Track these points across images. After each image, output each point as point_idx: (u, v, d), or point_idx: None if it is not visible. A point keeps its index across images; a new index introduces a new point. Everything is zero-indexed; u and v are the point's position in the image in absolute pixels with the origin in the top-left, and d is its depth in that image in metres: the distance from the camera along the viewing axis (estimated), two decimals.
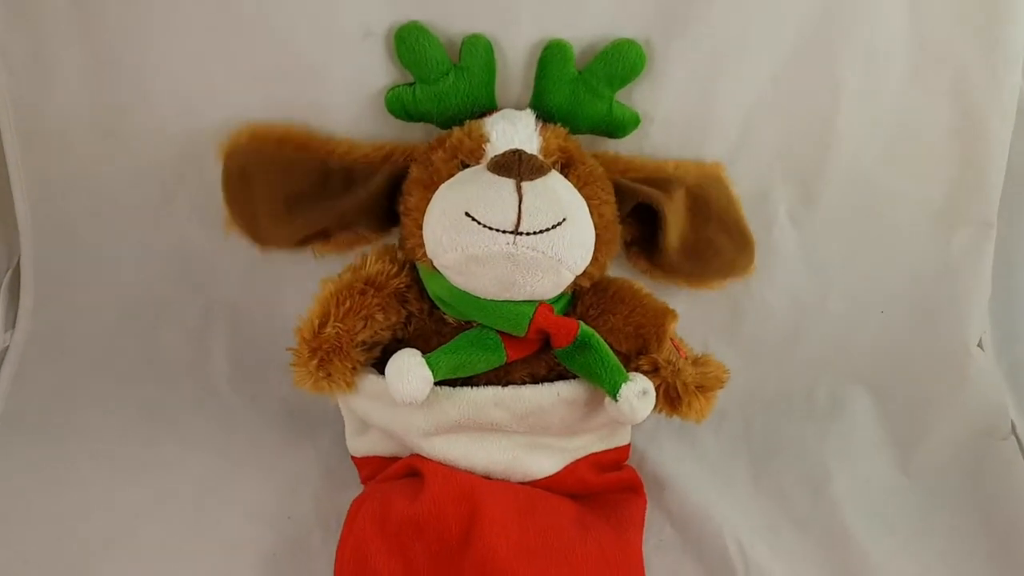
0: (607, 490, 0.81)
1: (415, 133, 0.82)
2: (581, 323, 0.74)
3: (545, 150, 0.75)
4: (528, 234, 0.68)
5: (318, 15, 0.78)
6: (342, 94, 0.81)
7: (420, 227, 0.73)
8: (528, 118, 0.77)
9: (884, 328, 0.93)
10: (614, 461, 0.84)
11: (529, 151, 0.73)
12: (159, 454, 0.84)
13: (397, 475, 0.78)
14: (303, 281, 0.81)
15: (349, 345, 0.73)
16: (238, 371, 0.91)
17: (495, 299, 0.72)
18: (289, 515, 0.80)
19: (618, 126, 0.81)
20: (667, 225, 0.79)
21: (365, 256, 0.78)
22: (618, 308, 0.78)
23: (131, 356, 0.90)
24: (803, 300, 0.92)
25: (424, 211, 0.73)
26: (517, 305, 0.72)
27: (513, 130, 0.75)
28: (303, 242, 0.83)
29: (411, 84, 0.79)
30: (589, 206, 0.73)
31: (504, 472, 0.77)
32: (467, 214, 0.68)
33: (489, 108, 0.80)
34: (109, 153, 0.85)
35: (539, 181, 0.69)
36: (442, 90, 0.78)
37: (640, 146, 0.84)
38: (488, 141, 0.74)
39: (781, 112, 0.84)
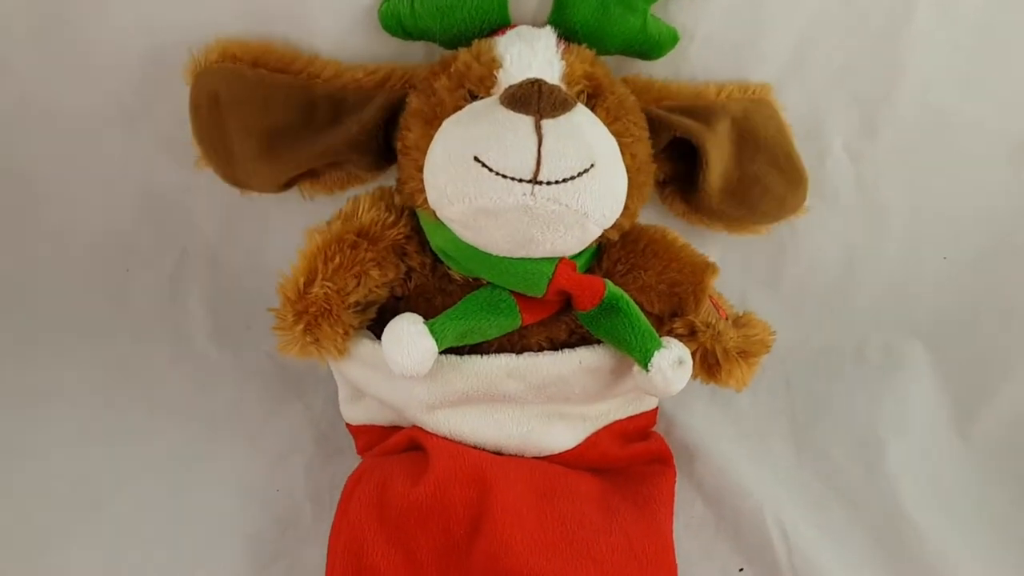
0: (632, 463, 0.72)
1: (414, 53, 0.71)
2: (608, 282, 0.64)
3: (569, 77, 0.63)
4: (549, 183, 0.57)
5: None
6: (327, 5, 0.68)
7: (420, 169, 0.62)
8: (548, 37, 0.65)
9: (946, 276, 0.82)
10: (640, 429, 0.74)
11: (549, 79, 0.62)
12: (130, 419, 0.75)
13: (398, 448, 0.69)
14: (289, 223, 0.72)
15: (340, 307, 0.63)
16: (218, 323, 0.82)
17: (508, 256, 0.62)
18: (278, 488, 0.72)
19: (653, 45, 0.69)
20: (709, 163, 0.68)
21: (357, 201, 0.67)
22: (650, 263, 0.68)
23: (97, 308, 0.81)
24: (856, 243, 0.81)
25: (425, 151, 0.61)
26: (534, 263, 0.62)
27: (531, 53, 0.63)
28: (288, 183, 0.72)
29: None
30: (620, 145, 0.62)
31: (518, 447, 0.68)
32: (476, 159, 0.57)
33: (501, 24, 0.68)
34: (57, 74, 0.73)
35: (563, 118, 0.57)
36: (445, 2, 0.66)
37: (677, 68, 0.73)
38: (501, 66, 0.62)
39: (843, 26, 0.72)
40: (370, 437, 0.72)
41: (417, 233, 0.67)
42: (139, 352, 0.80)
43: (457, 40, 0.68)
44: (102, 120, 0.75)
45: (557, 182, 0.57)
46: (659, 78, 0.72)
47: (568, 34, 0.68)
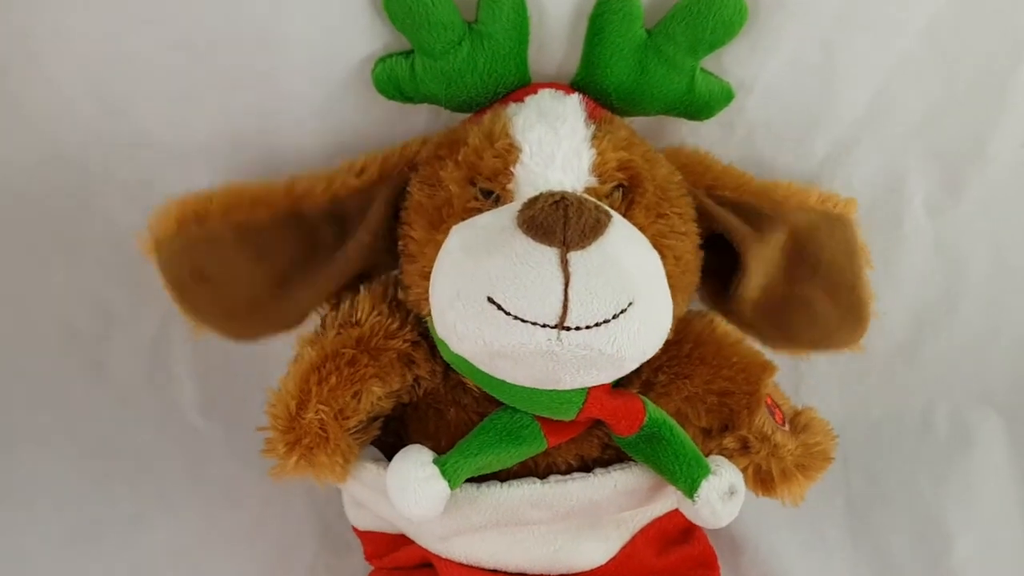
0: (674, 572, 0.65)
1: (415, 119, 0.60)
2: (648, 405, 0.55)
3: (600, 168, 0.52)
4: (579, 328, 0.47)
5: None
6: (306, 67, 0.57)
7: (426, 277, 0.52)
8: (575, 115, 0.54)
9: None
10: (681, 527, 0.66)
11: (577, 174, 0.52)
12: (117, 513, 0.68)
13: (409, 563, 0.63)
14: None
15: (338, 433, 0.55)
16: (207, 395, 0.74)
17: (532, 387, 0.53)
18: None
19: (702, 106, 0.58)
20: (747, 273, 0.58)
21: (355, 301, 0.57)
22: (697, 371, 0.58)
23: (76, 382, 0.72)
24: (930, 303, 0.71)
25: (431, 258, 0.52)
26: (562, 392, 0.53)
27: (554, 140, 0.52)
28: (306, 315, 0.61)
29: (408, 53, 0.56)
30: (662, 247, 0.52)
31: (544, 569, 0.60)
32: (491, 300, 0.47)
33: (520, 83, 0.57)
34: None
35: (594, 248, 0.47)
36: (453, 66, 0.55)
37: (731, 123, 0.61)
38: (518, 161, 0.52)
39: (933, 75, 0.60)
40: (378, 545, 0.65)
41: (425, 338, 0.58)
42: (123, 431, 0.72)
43: (467, 104, 0.57)
44: (60, 175, 0.65)
45: (588, 327, 0.47)
46: (713, 155, 0.60)
47: (599, 96, 0.57)
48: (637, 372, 0.59)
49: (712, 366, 0.58)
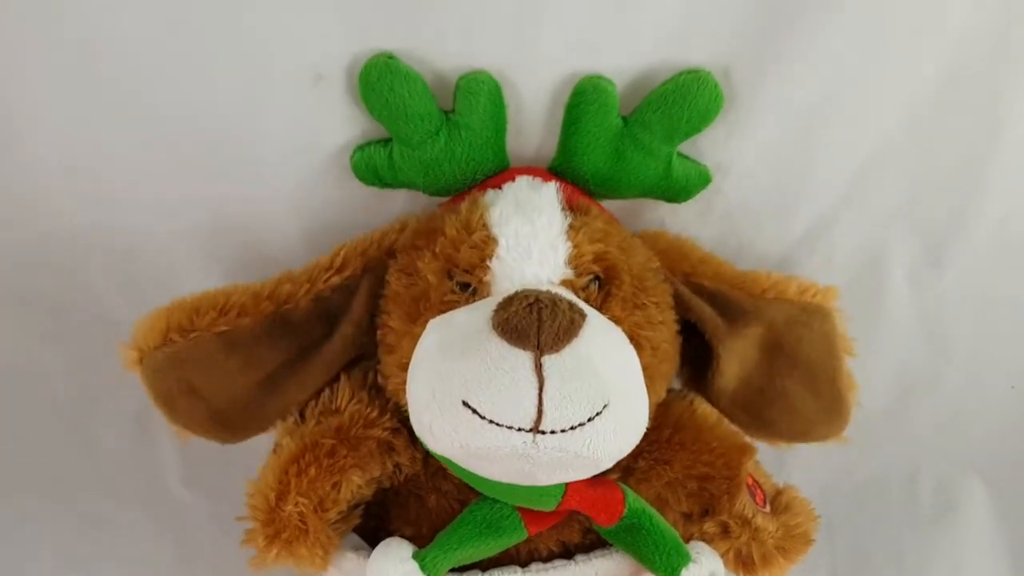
0: None
1: (392, 205, 0.60)
2: (627, 495, 0.55)
3: (576, 261, 0.52)
4: (554, 432, 0.47)
5: (245, 54, 0.53)
6: (284, 158, 0.58)
7: (403, 368, 0.52)
8: (551, 206, 0.53)
9: (1012, 406, 0.72)
10: None
11: (553, 267, 0.52)
12: None
13: None
14: None
15: (318, 526, 0.54)
16: (191, 467, 0.73)
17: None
18: None
19: (679, 190, 0.59)
20: (719, 367, 0.57)
21: (334, 391, 0.57)
22: (677, 456, 0.58)
23: (62, 456, 0.72)
24: (913, 371, 0.71)
25: (408, 351, 0.52)
26: (540, 488, 0.53)
27: (531, 233, 0.52)
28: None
29: (387, 141, 0.56)
30: (639, 339, 0.52)
31: None
32: (465, 404, 0.47)
33: (497, 168, 0.57)
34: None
35: (567, 351, 0.47)
36: (431, 155, 0.55)
37: (709, 202, 0.61)
38: (495, 255, 0.52)
39: (913, 160, 0.60)
40: None
41: (405, 425, 0.57)
42: (108, 504, 0.72)
43: (446, 191, 0.57)
44: (48, 258, 0.66)
45: (563, 430, 0.47)
46: (690, 240, 0.60)
47: (577, 181, 0.57)
48: None
49: (692, 451, 0.58)
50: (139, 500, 0.72)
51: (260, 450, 0.59)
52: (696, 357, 0.59)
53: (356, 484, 0.56)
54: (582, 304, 0.50)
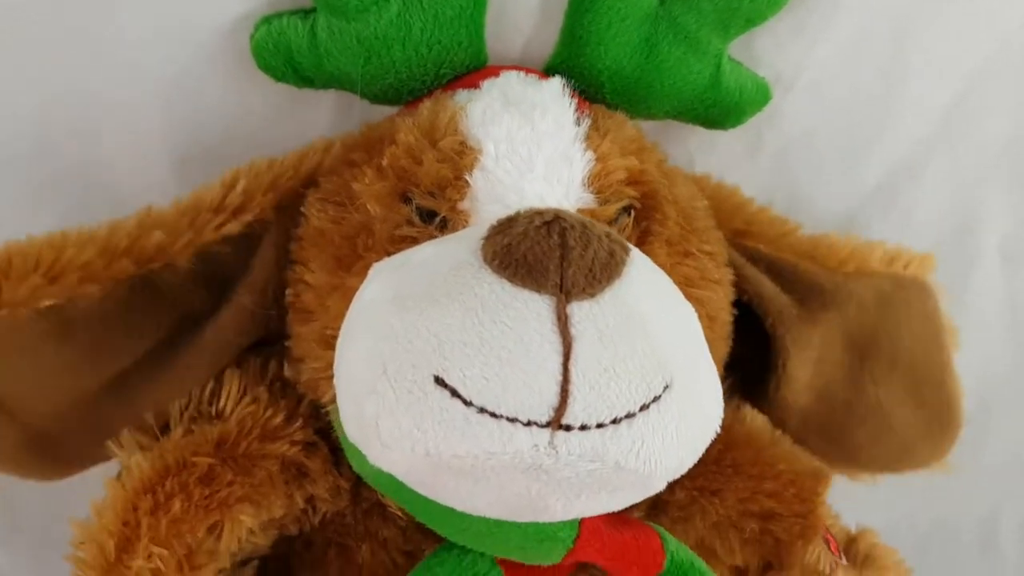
0: None
1: (315, 112, 0.41)
2: (668, 541, 0.37)
3: (601, 182, 0.35)
4: (584, 428, 0.28)
5: None
6: (149, 40, 0.39)
7: (328, 344, 0.33)
8: (558, 99, 0.37)
9: None
10: None
11: (566, 187, 0.35)
12: None
13: None
14: None
15: None
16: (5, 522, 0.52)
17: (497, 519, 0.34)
18: None
19: (729, 107, 0.42)
20: (786, 369, 0.42)
21: (218, 384, 0.38)
22: (730, 484, 0.40)
23: None
24: (997, 379, 0.57)
25: (336, 314, 0.33)
26: (542, 526, 0.34)
27: (531, 137, 0.35)
28: None
29: (306, 12, 0.38)
30: (691, 301, 0.34)
31: None
32: (439, 380, 0.28)
33: (472, 63, 0.39)
34: None
35: (609, 297, 0.29)
36: (375, 32, 0.37)
37: (759, 134, 0.45)
38: (477, 165, 0.34)
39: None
40: None
41: (326, 438, 0.39)
42: None
43: (395, 92, 0.39)
44: None
45: (599, 425, 0.29)
46: (728, 159, 0.45)
47: (587, 88, 0.40)
48: None
49: (751, 477, 0.40)
50: None
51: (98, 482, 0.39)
52: (746, 355, 0.42)
53: (246, 528, 0.37)
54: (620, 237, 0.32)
